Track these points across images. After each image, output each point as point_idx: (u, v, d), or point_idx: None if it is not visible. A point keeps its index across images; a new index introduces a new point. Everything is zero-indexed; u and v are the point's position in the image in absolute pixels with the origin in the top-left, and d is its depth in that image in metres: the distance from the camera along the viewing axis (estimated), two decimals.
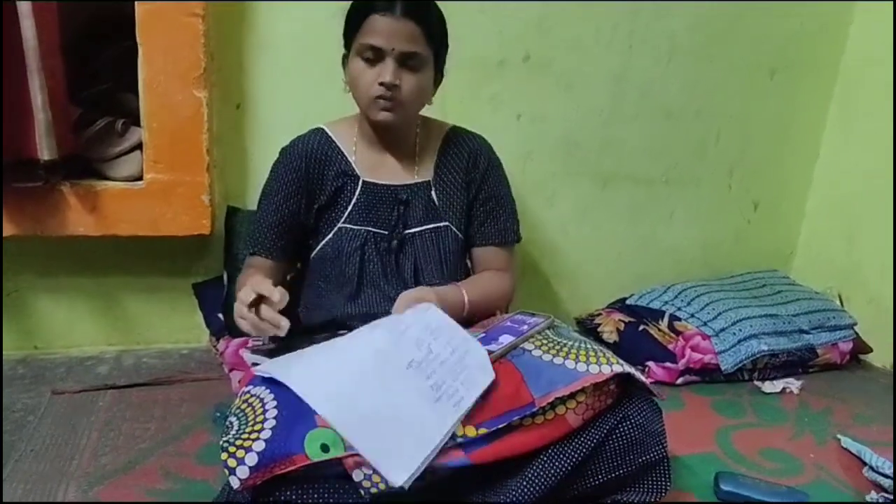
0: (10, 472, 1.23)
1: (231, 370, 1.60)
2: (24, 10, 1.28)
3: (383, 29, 1.20)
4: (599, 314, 2.02)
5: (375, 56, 1.21)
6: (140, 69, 1.46)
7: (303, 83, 1.66)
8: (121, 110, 1.59)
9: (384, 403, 1.00)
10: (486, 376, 1.03)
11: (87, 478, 1.23)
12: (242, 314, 1.12)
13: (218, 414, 1.44)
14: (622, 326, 1.92)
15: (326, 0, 1.59)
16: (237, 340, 1.62)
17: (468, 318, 1.28)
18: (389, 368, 1.03)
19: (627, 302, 2.03)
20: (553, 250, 1.98)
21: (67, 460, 1.28)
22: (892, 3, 1.94)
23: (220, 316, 1.67)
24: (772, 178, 2.18)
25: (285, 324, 1.09)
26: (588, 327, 2.02)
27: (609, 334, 1.94)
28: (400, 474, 0.95)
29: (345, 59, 1.30)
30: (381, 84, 1.21)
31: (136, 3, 1.41)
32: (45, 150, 1.37)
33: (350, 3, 1.27)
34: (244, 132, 1.67)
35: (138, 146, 1.54)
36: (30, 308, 1.67)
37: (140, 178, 1.53)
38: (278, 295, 1.10)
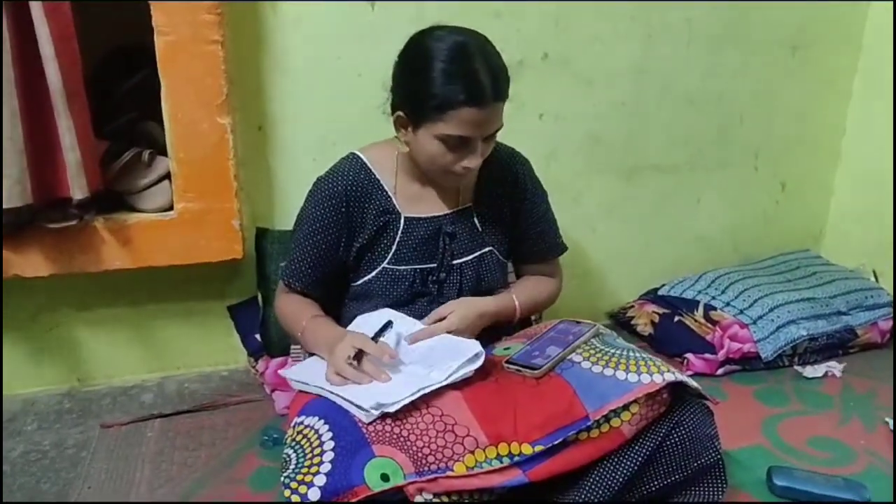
0: None
1: (273, 391, 1.61)
2: (48, 53, 1.28)
3: (475, 120, 1.10)
4: (632, 306, 2.02)
5: (462, 143, 1.13)
6: (164, 100, 1.46)
7: (321, 101, 1.65)
8: (145, 140, 1.59)
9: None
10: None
11: None
12: (341, 368, 1.09)
13: (265, 437, 1.45)
14: (656, 318, 1.92)
15: None
16: (276, 360, 1.63)
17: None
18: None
19: (659, 293, 2.02)
20: (582, 247, 1.97)
21: (124, 496, 1.30)
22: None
23: (258, 337, 1.69)
24: (798, 157, 2.15)
25: (385, 377, 1.08)
26: (621, 321, 2.02)
27: (643, 327, 1.94)
28: (371, 402, 1.01)
29: (400, 118, 1.17)
30: (466, 167, 1.15)
31: (156, 35, 1.41)
32: (76, 190, 1.38)
33: (411, 66, 1.14)
34: (267, 153, 1.67)
35: (166, 176, 1.55)
36: (70, 342, 1.68)
37: (170, 208, 1.54)
38: (387, 358, 1.09)
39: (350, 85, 1.64)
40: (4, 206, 1.32)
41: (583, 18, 1.78)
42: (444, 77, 1.08)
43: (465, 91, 1.08)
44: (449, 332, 1.18)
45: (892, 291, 1.98)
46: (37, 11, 1.26)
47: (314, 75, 1.64)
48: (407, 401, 1.03)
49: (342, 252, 1.27)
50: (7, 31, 1.27)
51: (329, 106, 1.66)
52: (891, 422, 1.51)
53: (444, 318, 1.20)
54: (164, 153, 1.53)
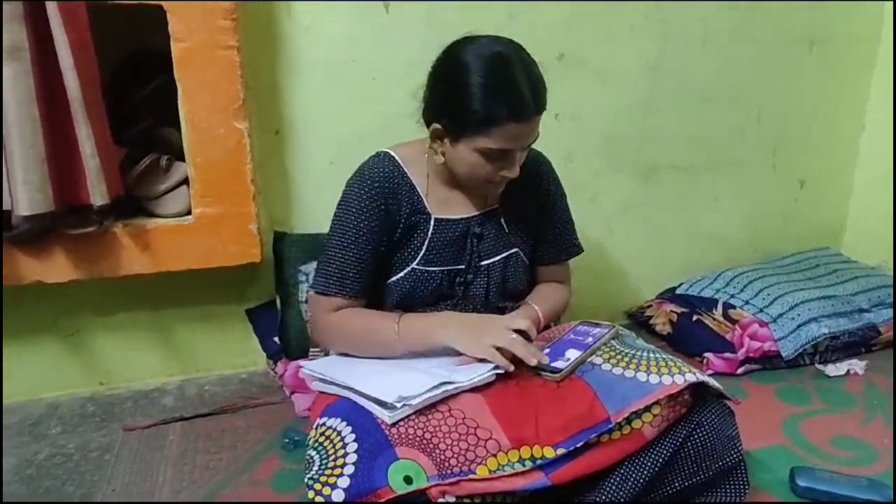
0: None
1: (292, 393, 1.62)
2: (67, 61, 1.29)
3: (517, 135, 1.10)
4: (650, 306, 2.01)
5: (501, 155, 1.13)
6: (181, 106, 1.47)
7: (337, 104, 1.66)
8: (163, 146, 1.61)
9: (396, 370, 1.14)
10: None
11: None
12: (509, 343, 1.10)
13: (286, 440, 1.46)
14: (675, 317, 1.91)
15: None
16: (295, 363, 1.64)
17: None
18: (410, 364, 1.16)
19: (677, 292, 2.01)
20: (599, 248, 1.97)
21: (148, 498, 1.31)
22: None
23: (276, 339, 1.69)
24: (817, 154, 2.13)
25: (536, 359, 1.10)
26: (639, 320, 2.01)
27: (662, 326, 1.93)
28: (393, 396, 1.01)
29: (437, 130, 1.16)
30: (505, 177, 1.15)
31: (172, 41, 1.42)
32: (97, 196, 1.39)
33: (448, 80, 1.13)
34: (284, 157, 1.68)
35: (184, 181, 1.56)
36: (91, 346, 1.70)
37: (188, 213, 1.55)
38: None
39: (365, 87, 1.65)
40: (26, 213, 1.33)
41: (597, 18, 1.77)
42: (485, 92, 1.07)
43: (508, 107, 1.07)
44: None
45: None
46: (55, 18, 1.27)
47: (329, 78, 1.64)
48: (428, 395, 1.03)
49: (384, 252, 1.23)
50: (26, 39, 1.28)
51: (345, 109, 1.66)
52: None
53: None
54: (181, 158, 1.54)
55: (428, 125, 1.18)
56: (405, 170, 1.24)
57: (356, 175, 1.24)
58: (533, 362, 1.09)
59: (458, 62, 1.11)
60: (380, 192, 1.21)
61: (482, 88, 1.07)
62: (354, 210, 1.21)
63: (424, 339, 1.15)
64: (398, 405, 1.01)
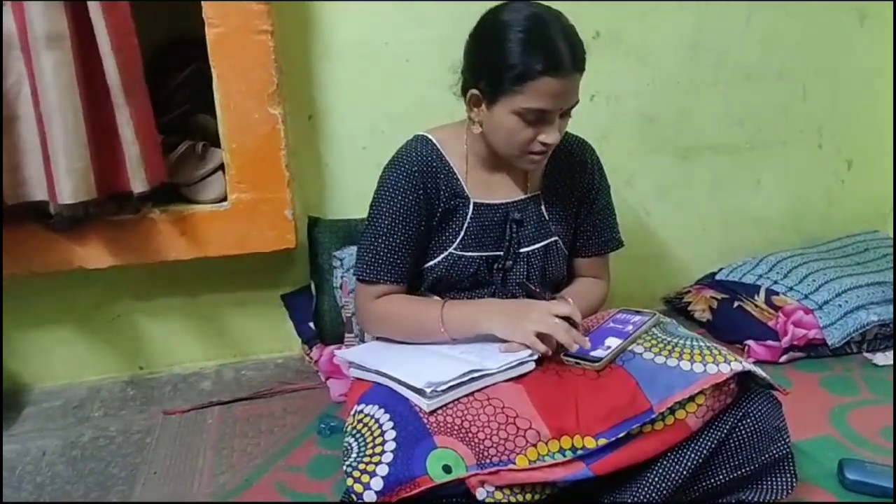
0: (140, 495, 1.30)
1: (328, 378, 1.63)
2: (106, 48, 1.29)
3: (555, 91, 1.06)
4: (688, 292, 1.96)
5: (539, 117, 1.09)
6: (216, 92, 1.46)
7: (369, 88, 1.64)
8: (198, 132, 1.61)
9: (428, 356, 1.13)
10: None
11: (210, 498, 1.28)
12: (553, 328, 1.08)
13: (322, 425, 1.47)
14: (715, 304, 1.86)
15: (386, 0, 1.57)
16: (330, 348, 1.65)
17: None
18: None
19: (717, 277, 1.96)
20: (636, 231, 1.92)
21: (189, 481, 1.33)
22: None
23: (311, 325, 1.70)
24: (866, 133, 2.04)
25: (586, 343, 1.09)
26: (677, 306, 1.97)
27: (701, 313, 1.88)
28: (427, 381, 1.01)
29: (474, 96, 1.14)
30: (545, 143, 1.11)
31: (206, 27, 1.41)
32: (137, 183, 1.40)
33: (487, 40, 1.11)
34: (318, 142, 1.67)
35: (220, 167, 1.56)
36: (131, 331, 1.73)
37: (224, 199, 1.56)
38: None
39: (399, 71, 1.63)
40: (70, 201, 1.33)
41: None
42: (523, 47, 1.05)
43: (543, 60, 1.04)
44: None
45: None
46: (94, 7, 1.28)
47: (362, 62, 1.62)
48: (459, 382, 1.02)
49: (423, 235, 1.21)
50: (67, 27, 1.28)
51: (377, 93, 1.64)
52: None
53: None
54: (217, 145, 1.55)
55: (466, 95, 1.15)
56: (443, 153, 1.22)
57: (393, 160, 1.23)
58: (574, 348, 1.07)
59: (498, 22, 1.10)
60: (418, 175, 1.19)
61: (520, 44, 1.05)
62: (391, 195, 1.19)
63: (468, 327, 1.14)
64: (427, 390, 1.00)
